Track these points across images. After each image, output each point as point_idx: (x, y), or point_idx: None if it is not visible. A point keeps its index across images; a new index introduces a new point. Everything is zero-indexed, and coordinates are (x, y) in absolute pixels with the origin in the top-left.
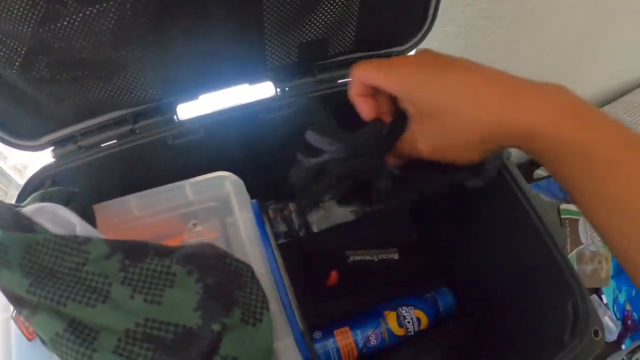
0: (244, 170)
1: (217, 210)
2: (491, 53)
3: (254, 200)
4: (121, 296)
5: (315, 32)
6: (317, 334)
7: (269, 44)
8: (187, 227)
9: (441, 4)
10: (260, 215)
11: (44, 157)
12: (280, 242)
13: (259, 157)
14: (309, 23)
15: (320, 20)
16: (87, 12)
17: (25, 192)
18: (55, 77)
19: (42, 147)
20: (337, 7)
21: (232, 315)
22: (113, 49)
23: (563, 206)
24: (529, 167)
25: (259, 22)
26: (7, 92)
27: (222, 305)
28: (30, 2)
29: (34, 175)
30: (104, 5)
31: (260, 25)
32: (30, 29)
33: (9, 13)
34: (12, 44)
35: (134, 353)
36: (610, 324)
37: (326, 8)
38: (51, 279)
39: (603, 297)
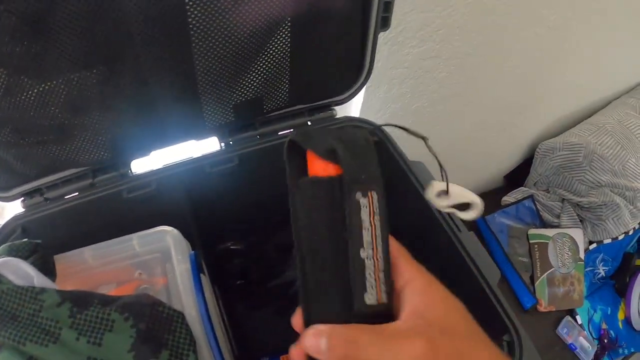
0: (191, 220)
1: (160, 261)
2: (443, 90)
3: (192, 252)
4: (69, 338)
5: (249, 93)
6: (265, 359)
7: (206, 105)
8: (135, 275)
9: (385, 47)
10: (197, 265)
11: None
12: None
13: (206, 207)
14: (241, 86)
15: (252, 82)
16: (41, 88)
17: None
18: (19, 141)
19: (13, 198)
20: (266, 68)
21: (160, 357)
22: (67, 117)
23: (531, 231)
24: (496, 195)
25: (193, 87)
26: None
27: (152, 348)
28: None
29: (5, 223)
30: (54, 82)
31: (195, 90)
32: None
33: None
34: None
35: None
36: (586, 344)
37: (256, 70)
38: (13, 322)
39: (577, 317)
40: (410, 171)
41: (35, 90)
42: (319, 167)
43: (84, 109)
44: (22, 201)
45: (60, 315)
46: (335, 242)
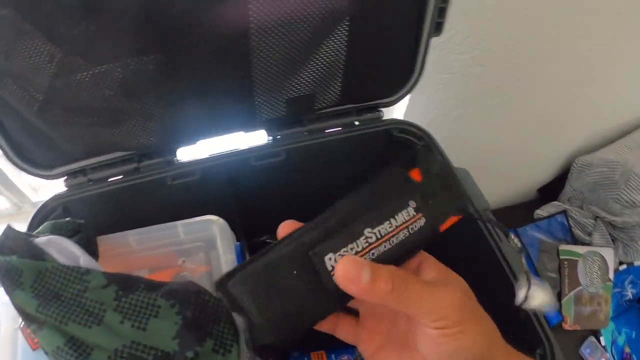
0: (234, 211)
1: (204, 249)
2: (485, 99)
3: (237, 243)
4: (113, 321)
5: (301, 89)
6: (295, 354)
7: (259, 98)
8: (178, 262)
9: (434, 52)
10: (242, 256)
11: (56, 182)
12: None
13: (250, 200)
14: (296, 81)
15: (306, 78)
16: (96, 71)
17: (38, 217)
18: (68, 120)
19: (55, 177)
20: (322, 65)
21: (205, 345)
22: (119, 101)
23: (562, 247)
24: (529, 207)
25: (248, 80)
26: (27, 128)
27: (197, 336)
28: (47, 58)
29: (46, 202)
30: (110, 65)
31: (250, 82)
32: (47, 80)
33: (30, 65)
34: (31, 91)
35: None
36: None
37: (312, 67)
38: (56, 301)
39: (601, 339)
40: (454, 179)
41: (90, 72)
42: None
43: (137, 94)
44: (65, 180)
45: (106, 297)
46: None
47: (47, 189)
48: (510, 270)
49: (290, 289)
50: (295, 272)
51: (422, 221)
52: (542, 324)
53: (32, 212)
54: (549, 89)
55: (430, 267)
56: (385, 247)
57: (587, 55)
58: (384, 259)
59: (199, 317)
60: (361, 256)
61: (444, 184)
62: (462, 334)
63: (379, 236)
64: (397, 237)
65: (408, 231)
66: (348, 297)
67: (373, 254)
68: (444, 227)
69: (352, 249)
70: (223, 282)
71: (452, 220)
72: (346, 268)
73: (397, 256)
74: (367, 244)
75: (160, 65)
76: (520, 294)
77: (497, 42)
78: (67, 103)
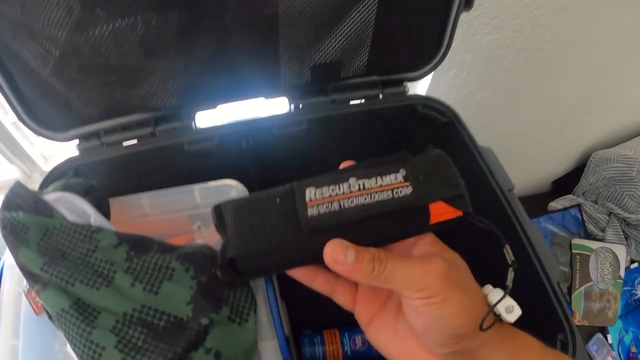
0: (252, 180)
1: None
2: (509, 82)
3: None
4: (123, 283)
5: (328, 56)
6: (308, 331)
7: (284, 63)
8: (193, 228)
9: (460, 31)
10: None
11: (68, 149)
12: None
13: (268, 169)
14: (323, 47)
15: (333, 45)
16: (117, 25)
17: (49, 179)
18: (85, 79)
19: (68, 139)
20: (351, 33)
21: (220, 313)
22: (139, 59)
23: (575, 241)
24: (543, 199)
25: (275, 43)
26: (41, 88)
27: (213, 302)
28: (65, 10)
29: (59, 165)
30: (132, 19)
31: (277, 46)
32: (64, 35)
33: (47, 18)
34: (47, 46)
35: (129, 334)
36: None
37: (340, 34)
38: (63, 260)
39: (608, 336)
40: (481, 156)
41: (111, 27)
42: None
43: (158, 52)
44: (78, 144)
45: (116, 257)
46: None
47: (57, 158)
48: (534, 252)
49: (269, 212)
50: (278, 200)
51: (408, 190)
52: (565, 311)
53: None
54: (573, 80)
55: (425, 241)
56: (365, 199)
57: (612, 47)
58: (361, 212)
59: (214, 282)
60: (340, 200)
61: (440, 168)
62: (445, 302)
63: (361, 187)
64: (379, 195)
65: (392, 194)
66: (317, 245)
67: (352, 201)
68: (436, 216)
69: (333, 189)
70: (219, 203)
71: (443, 209)
72: (333, 249)
73: (376, 216)
74: (348, 190)
75: (184, 22)
76: (500, 306)
77: (525, 25)
78: (84, 60)
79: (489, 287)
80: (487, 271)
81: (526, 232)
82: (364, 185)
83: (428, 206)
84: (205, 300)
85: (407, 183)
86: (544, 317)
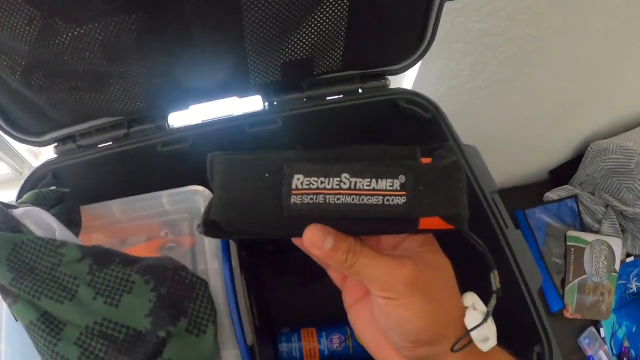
0: None
1: (188, 221)
2: (502, 72)
3: None
4: (86, 296)
5: (298, 52)
6: (285, 329)
7: (252, 61)
8: (161, 234)
9: (448, 19)
10: None
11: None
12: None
13: None
14: (292, 43)
15: (303, 40)
16: (75, 32)
17: (29, 183)
18: (52, 86)
19: (45, 144)
20: (321, 27)
21: (178, 325)
22: (102, 64)
23: (570, 233)
24: (539, 189)
25: (239, 40)
26: (13, 95)
27: (171, 314)
28: (26, 21)
29: (36, 169)
30: (89, 26)
31: (242, 45)
32: (27, 46)
33: (9, 30)
34: (13, 56)
35: (91, 346)
36: (605, 359)
37: (309, 28)
38: (30, 275)
39: (601, 330)
40: (463, 155)
41: (70, 34)
42: None
43: (121, 56)
44: (55, 147)
45: (80, 271)
46: None
47: (46, 154)
48: (515, 260)
49: (255, 184)
50: (267, 174)
51: (401, 200)
52: (543, 321)
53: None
54: (569, 68)
55: (415, 238)
56: (352, 199)
57: (611, 36)
58: (346, 212)
59: (174, 294)
60: (326, 194)
61: (447, 181)
62: (405, 307)
63: (352, 187)
64: (368, 199)
65: (382, 200)
66: (297, 227)
67: (338, 198)
68: (425, 225)
69: (322, 182)
70: (215, 155)
71: (436, 222)
72: (313, 234)
73: (360, 218)
74: (337, 186)
75: (143, 24)
76: (478, 333)
77: (517, 12)
78: (49, 68)
79: (469, 297)
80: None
81: (507, 238)
82: (355, 184)
83: (419, 219)
84: (163, 313)
85: (403, 192)
86: (521, 327)
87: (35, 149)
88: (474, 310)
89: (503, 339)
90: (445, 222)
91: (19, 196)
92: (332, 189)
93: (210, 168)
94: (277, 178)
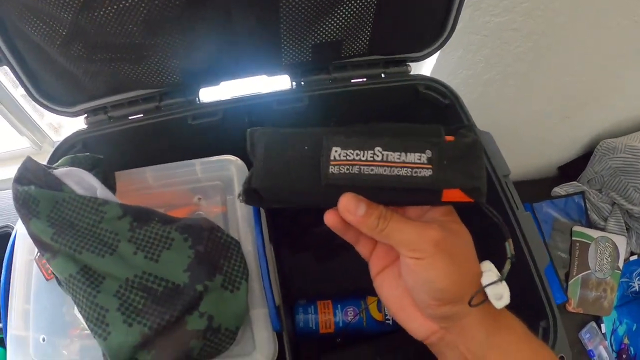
0: None
1: (221, 189)
2: (517, 65)
3: None
4: (126, 251)
5: (329, 35)
6: (302, 301)
7: (285, 42)
8: (194, 200)
9: (467, 11)
10: None
11: (77, 120)
12: None
13: None
14: (323, 26)
15: (334, 24)
16: (120, 5)
17: (59, 152)
18: (91, 56)
19: (76, 114)
20: (352, 12)
21: (214, 280)
22: (143, 37)
23: (576, 228)
24: (547, 184)
25: (275, 22)
26: (50, 65)
27: (208, 270)
28: None
29: (67, 138)
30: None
31: (277, 25)
32: (70, 15)
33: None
34: (54, 25)
35: (130, 298)
36: (605, 354)
37: (341, 13)
38: (71, 230)
39: (602, 326)
40: None
41: (115, 7)
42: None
43: (161, 30)
44: (86, 118)
45: (120, 228)
46: None
47: (67, 128)
48: (524, 239)
49: (295, 156)
50: (306, 147)
51: (428, 172)
52: (549, 298)
53: (52, 151)
54: (582, 66)
55: (439, 208)
56: (384, 170)
57: (624, 36)
58: (379, 182)
59: (210, 252)
60: (361, 165)
61: (468, 157)
62: (432, 265)
63: (384, 159)
64: (398, 170)
65: (410, 172)
66: (333, 196)
67: (372, 169)
68: (448, 197)
69: (357, 154)
70: (255, 129)
71: (458, 195)
72: (348, 201)
73: (389, 188)
74: (372, 158)
75: (186, 1)
76: (493, 291)
77: (534, 9)
78: (90, 38)
79: (486, 264)
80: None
81: (517, 218)
82: (387, 157)
83: (442, 191)
84: (200, 269)
85: (429, 166)
86: (528, 303)
87: (56, 124)
88: (490, 272)
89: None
90: (466, 195)
91: (51, 162)
92: (366, 160)
93: (250, 141)
94: (317, 150)
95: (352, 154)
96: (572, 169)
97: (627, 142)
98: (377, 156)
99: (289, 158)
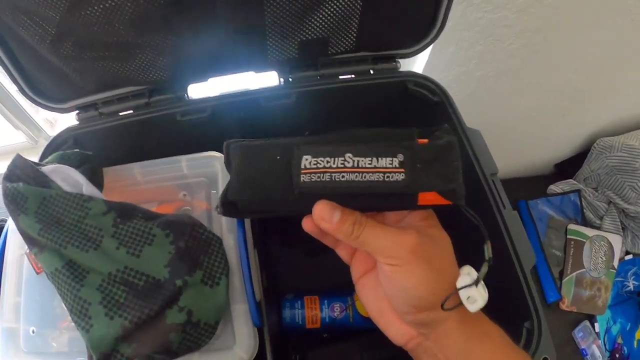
0: None
1: (206, 185)
2: (510, 62)
3: None
4: (109, 246)
5: (315, 31)
6: (289, 296)
7: (271, 38)
8: (179, 196)
9: (459, 7)
10: None
11: (72, 115)
12: None
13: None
14: (310, 22)
15: (320, 21)
16: (107, 4)
17: (51, 148)
18: (80, 55)
19: (68, 110)
20: (338, 8)
21: (194, 276)
22: (130, 35)
23: (571, 226)
24: (543, 181)
25: (260, 18)
26: (40, 62)
27: (188, 266)
28: None
29: (58, 134)
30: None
31: (262, 22)
32: (58, 15)
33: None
34: (44, 25)
35: (112, 292)
36: (598, 354)
37: (326, 9)
38: (57, 226)
39: (596, 325)
40: (467, 139)
41: (101, 6)
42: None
43: (148, 29)
44: (77, 114)
45: (104, 223)
46: None
47: (62, 123)
48: (510, 239)
49: (268, 166)
50: (278, 157)
51: (401, 177)
52: (534, 299)
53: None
54: (576, 64)
55: (417, 213)
56: (356, 177)
57: (623, 34)
58: (351, 188)
59: (191, 248)
60: (332, 172)
61: (442, 159)
62: (408, 273)
63: (355, 165)
64: (370, 176)
65: (383, 177)
66: (307, 204)
67: (343, 176)
68: (424, 201)
69: (327, 162)
70: (230, 142)
71: (435, 198)
72: (322, 209)
73: (363, 194)
74: (342, 165)
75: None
76: (467, 293)
77: (528, 6)
78: (79, 37)
79: (465, 269)
80: (467, 245)
81: (504, 217)
82: (358, 163)
83: (417, 194)
84: (181, 264)
85: (402, 170)
86: (513, 303)
87: (52, 118)
88: (467, 275)
89: (495, 315)
90: (443, 198)
91: (42, 158)
92: (337, 167)
93: (226, 153)
94: (289, 159)
95: (323, 162)
96: (568, 167)
97: (624, 140)
98: (348, 162)
99: (263, 169)
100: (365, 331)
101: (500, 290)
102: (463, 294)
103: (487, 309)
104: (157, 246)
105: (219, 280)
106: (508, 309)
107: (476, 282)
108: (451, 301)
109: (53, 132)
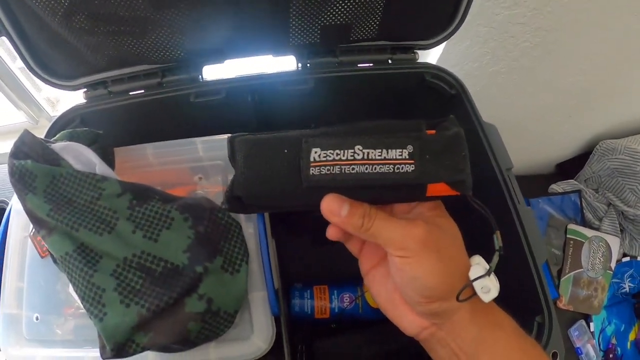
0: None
1: (222, 169)
2: (523, 60)
3: None
4: (125, 230)
5: (338, 17)
6: (299, 285)
7: (294, 22)
8: (194, 179)
9: (477, 2)
10: None
11: (75, 94)
12: None
13: (272, 125)
14: (334, 7)
15: (345, 6)
16: None
17: (56, 127)
18: (93, 29)
19: (76, 88)
20: None
21: (214, 262)
22: (148, 10)
23: (571, 226)
24: (544, 180)
25: (285, 2)
26: (50, 36)
27: (208, 251)
28: None
29: (66, 112)
30: None
31: (286, 4)
32: None
33: None
34: None
35: (128, 278)
36: (592, 353)
37: None
38: (69, 207)
39: (591, 324)
40: (484, 133)
41: None
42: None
43: (167, 4)
44: (85, 92)
45: (119, 205)
46: None
47: (64, 103)
48: (524, 234)
49: (275, 160)
50: (286, 150)
51: (411, 168)
52: (546, 294)
53: (49, 126)
54: (587, 65)
55: (425, 204)
56: (366, 169)
57: (632, 34)
58: (361, 180)
59: (211, 233)
60: (342, 164)
61: (451, 150)
62: (418, 263)
63: (365, 157)
64: (380, 168)
65: (393, 169)
66: (315, 197)
67: (353, 168)
68: (433, 192)
69: (337, 154)
70: (235, 136)
71: (443, 189)
72: (330, 203)
73: (373, 186)
74: (352, 157)
75: None
76: (481, 283)
77: (544, 5)
78: (92, 9)
79: (475, 258)
80: (477, 237)
81: (519, 212)
82: (367, 155)
83: (426, 185)
84: (201, 250)
85: (412, 161)
86: (525, 298)
87: (53, 98)
88: (478, 265)
89: (506, 309)
90: (451, 188)
91: (47, 137)
92: (347, 159)
93: (231, 148)
94: (296, 153)
95: (332, 154)
96: (570, 167)
97: (626, 144)
98: (358, 154)
99: (269, 163)
100: (374, 322)
101: (512, 284)
102: (477, 285)
103: (498, 302)
104: (175, 230)
105: (239, 267)
106: (519, 303)
107: (489, 272)
108: (465, 292)
109: (55, 112)
